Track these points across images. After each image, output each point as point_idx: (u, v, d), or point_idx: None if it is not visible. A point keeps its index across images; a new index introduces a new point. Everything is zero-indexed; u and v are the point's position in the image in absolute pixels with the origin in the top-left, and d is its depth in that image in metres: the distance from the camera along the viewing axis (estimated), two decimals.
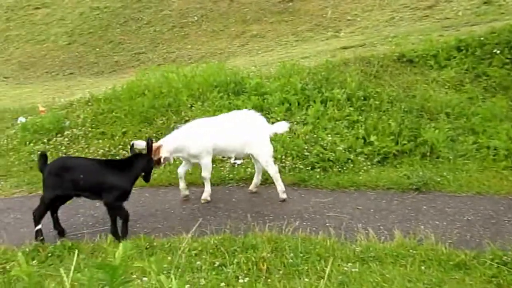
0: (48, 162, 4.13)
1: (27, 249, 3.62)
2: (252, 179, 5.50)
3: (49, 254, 3.63)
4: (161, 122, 6.75)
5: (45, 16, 19.39)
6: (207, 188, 4.97)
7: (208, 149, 4.86)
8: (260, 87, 7.25)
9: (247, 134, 4.91)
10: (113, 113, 7.12)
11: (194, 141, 4.81)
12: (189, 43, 15.67)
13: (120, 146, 6.37)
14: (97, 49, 16.50)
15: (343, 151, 5.77)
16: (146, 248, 3.74)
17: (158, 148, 4.63)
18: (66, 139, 6.68)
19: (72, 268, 1.71)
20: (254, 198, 5.05)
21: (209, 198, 4.96)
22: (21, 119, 7.84)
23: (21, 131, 7.02)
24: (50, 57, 16.52)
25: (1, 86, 14.13)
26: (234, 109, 6.91)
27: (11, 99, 11.34)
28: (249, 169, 5.63)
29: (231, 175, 5.61)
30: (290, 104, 6.79)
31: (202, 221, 4.48)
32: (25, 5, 20.49)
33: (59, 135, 6.82)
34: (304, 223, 4.35)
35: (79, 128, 6.91)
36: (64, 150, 6.42)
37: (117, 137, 6.56)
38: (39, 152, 4.38)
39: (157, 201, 5.00)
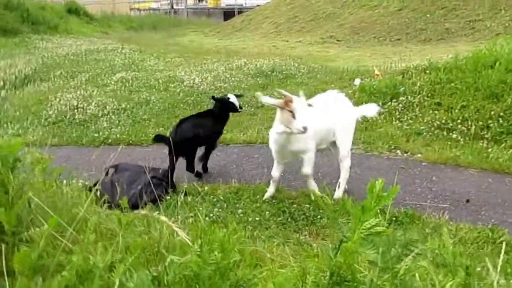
0: None
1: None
2: None
3: (393, 218, 3.65)
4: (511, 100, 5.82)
5: None
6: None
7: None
8: None
9: (334, 118, 4.15)
10: (453, 84, 6.61)
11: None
12: None
13: (459, 121, 5.87)
14: (428, 15, 15.91)
15: None
16: (500, 243, 3.28)
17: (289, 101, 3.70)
18: (401, 105, 6.66)
19: None
20: None
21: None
22: (357, 81, 8.33)
23: (359, 92, 7.44)
24: (380, 22, 17.00)
25: (335, 48, 15.54)
26: None
27: (344, 61, 12.32)
28: None
29: None
30: None
31: None
32: None
33: (394, 100, 6.86)
34: None
35: (414, 95, 6.75)
36: (398, 116, 6.42)
37: (456, 110, 6.07)
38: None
39: (504, 191, 4.35)
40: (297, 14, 20.82)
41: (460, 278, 1.33)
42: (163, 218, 1.69)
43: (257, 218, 3.62)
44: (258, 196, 4.04)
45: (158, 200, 3.33)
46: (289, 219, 3.63)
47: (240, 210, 3.77)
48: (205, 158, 4.96)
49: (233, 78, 9.39)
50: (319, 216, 3.67)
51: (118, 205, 2.76)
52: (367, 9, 18.12)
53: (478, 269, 2.47)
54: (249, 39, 19.49)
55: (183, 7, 35.80)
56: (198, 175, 4.76)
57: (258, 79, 9.38)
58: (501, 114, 5.73)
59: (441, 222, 3.58)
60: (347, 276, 1.41)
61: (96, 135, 6.27)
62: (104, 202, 2.81)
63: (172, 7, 35.52)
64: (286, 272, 1.76)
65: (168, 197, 3.91)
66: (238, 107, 4.92)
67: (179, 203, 3.42)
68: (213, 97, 5.07)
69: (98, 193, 3.45)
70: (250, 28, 22.04)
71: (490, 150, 5.21)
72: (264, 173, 4.65)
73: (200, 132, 4.69)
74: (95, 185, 3.67)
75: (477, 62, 6.67)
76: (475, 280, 1.50)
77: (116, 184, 3.42)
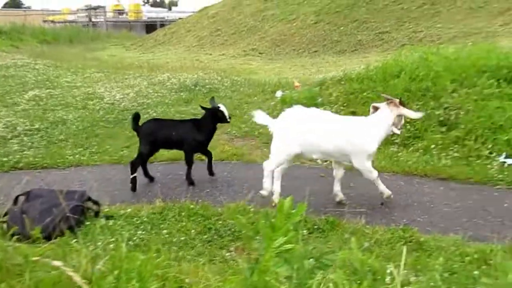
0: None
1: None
2: None
3: (315, 226, 3.79)
4: (417, 106, 6.32)
5: None
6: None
7: None
8: None
9: None
10: (365, 94, 7.06)
11: None
12: (440, 21, 14.41)
13: None
14: (342, 28, 16.83)
15: None
16: (410, 242, 3.53)
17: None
18: None
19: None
20: None
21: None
22: (279, 93, 8.57)
23: (281, 104, 7.66)
24: (298, 35, 17.68)
25: (257, 61, 15.88)
26: (505, 99, 5.99)
27: (266, 73, 12.62)
28: None
29: (500, 176, 4.86)
30: None
31: (468, 223, 4.03)
32: None
33: None
34: None
35: (331, 105, 7.11)
36: None
37: None
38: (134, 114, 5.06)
39: (413, 191, 4.71)
40: (220, 28, 21.03)
41: (367, 285, 1.42)
42: (56, 262, 1.62)
43: (182, 238, 3.57)
44: (183, 215, 3.99)
45: (76, 227, 3.17)
46: (215, 236, 3.63)
47: (165, 231, 3.70)
48: (187, 165, 5.03)
49: (156, 94, 9.24)
50: (244, 231, 3.70)
51: (30, 237, 2.59)
52: (286, 23, 18.77)
53: (392, 269, 2.65)
54: (172, 53, 19.31)
55: (102, 19, 34.57)
56: (133, 182, 4.84)
57: (181, 94, 9.32)
58: (408, 120, 6.20)
59: (359, 227, 3.78)
60: None
61: (4, 159, 5.82)
62: (13, 235, 2.62)
63: (90, 19, 34.13)
64: None
65: (88, 222, 3.72)
66: (228, 118, 5.08)
67: (98, 228, 3.29)
68: (201, 106, 5.22)
69: (6, 225, 3.22)
70: (173, 42, 21.85)
71: (400, 154, 5.63)
72: (189, 190, 4.61)
73: (169, 135, 4.93)
74: (2, 216, 3.42)
75: (385, 72, 7.20)
76: (382, 284, 1.62)
77: (27, 213, 3.22)
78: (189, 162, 4.98)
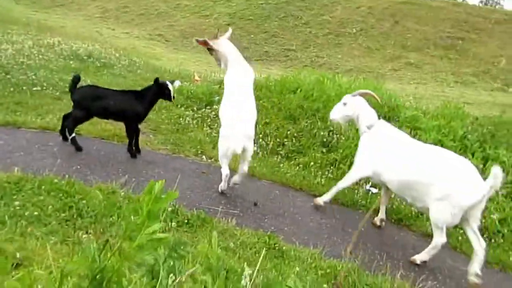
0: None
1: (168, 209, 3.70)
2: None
3: (185, 220, 3.70)
4: (306, 124, 6.64)
5: None
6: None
7: None
8: (414, 120, 6.77)
9: None
10: (261, 101, 7.19)
11: None
12: (341, 53, 15.51)
13: (261, 135, 6.41)
14: (252, 36, 17.16)
15: (497, 221, 5.07)
16: (274, 248, 3.63)
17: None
18: (213, 113, 6.92)
19: None
20: (384, 237, 4.67)
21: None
22: (177, 83, 8.29)
23: (176, 94, 7.44)
24: (209, 32, 17.52)
25: (162, 47, 15.40)
26: None
27: (168, 61, 12.30)
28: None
29: (363, 202, 5.29)
30: None
31: (327, 239, 4.29)
32: None
33: (208, 107, 7.12)
34: (438, 284, 3.89)
35: None
36: (209, 123, 6.67)
37: (260, 126, 6.60)
38: (74, 75, 4.96)
39: (286, 202, 4.88)
40: (128, 5, 19.99)
41: (221, 281, 1.37)
42: None
43: (35, 213, 3.20)
44: (43, 188, 3.59)
45: None
46: (75, 216, 3.32)
47: (17, 203, 3.28)
48: (128, 138, 4.94)
49: (40, 56, 8.35)
50: (110, 214, 3.46)
51: None
52: (199, 16, 18.58)
53: (250, 272, 2.65)
54: (70, 18, 17.80)
55: None
56: (74, 143, 4.76)
57: (71, 62, 8.56)
58: (295, 134, 6.47)
59: (228, 227, 3.79)
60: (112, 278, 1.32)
61: None
62: None
63: None
64: (43, 274, 1.56)
65: None
66: (172, 96, 4.97)
67: None
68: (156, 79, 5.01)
69: None
70: (73, 7, 20.18)
71: (282, 165, 5.82)
72: (55, 164, 4.19)
73: (106, 104, 4.74)
74: None
75: (283, 86, 7.45)
76: (236, 283, 1.59)
77: None
78: (131, 134, 4.94)
